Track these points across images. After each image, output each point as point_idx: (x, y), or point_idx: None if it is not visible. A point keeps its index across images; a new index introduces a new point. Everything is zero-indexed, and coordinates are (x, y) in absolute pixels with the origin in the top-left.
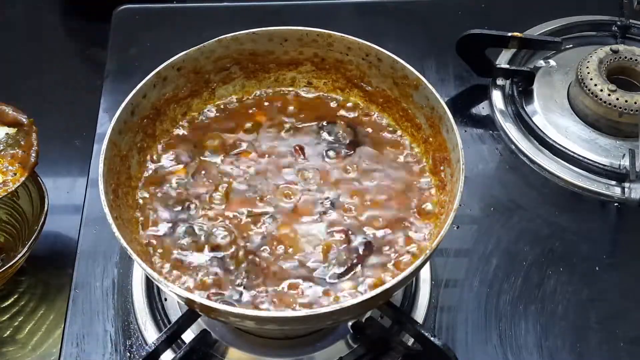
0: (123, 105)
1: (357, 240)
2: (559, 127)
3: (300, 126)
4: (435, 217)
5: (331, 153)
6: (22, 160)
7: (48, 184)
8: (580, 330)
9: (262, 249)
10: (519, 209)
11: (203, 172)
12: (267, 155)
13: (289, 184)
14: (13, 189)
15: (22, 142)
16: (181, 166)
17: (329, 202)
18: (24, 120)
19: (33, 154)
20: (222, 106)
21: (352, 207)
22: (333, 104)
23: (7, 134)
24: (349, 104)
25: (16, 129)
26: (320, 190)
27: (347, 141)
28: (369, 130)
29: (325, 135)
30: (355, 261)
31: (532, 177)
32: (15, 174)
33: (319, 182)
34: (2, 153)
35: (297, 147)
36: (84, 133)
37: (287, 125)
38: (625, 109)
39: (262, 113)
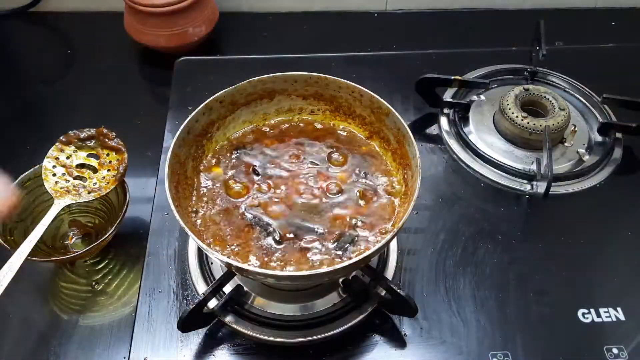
0: (181, 127)
1: (348, 229)
2: (487, 142)
3: (305, 141)
4: (400, 206)
5: (334, 158)
6: (115, 173)
7: (129, 182)
8: (502, 285)
9: (285, 229)
10: (459, 200)
11: (234, 171)
12: (282, 163)
13: (302, 183)
14: (104, 193)
15: (118, 161)
16: (220, 169)
17: (332, 200)
18: (122, 147)
19: (122, 169)
20: (250, 128)
21: (348, 200)
22: (330, 126)
23: (108, 154)
24: (341, 126)
25: (115, 151)
26: (322, 190)
27: (341, 153)
28: (355, 144)
29: (324, 148)
30: (348, 240)
31: (468, 178)
32: (107, 183)
33: (322, 184)
34: (105, 165)
35: (303, 156)
36: (154, 147)
37: (297, 141)
38: (533, 130)
39: (279, 133)
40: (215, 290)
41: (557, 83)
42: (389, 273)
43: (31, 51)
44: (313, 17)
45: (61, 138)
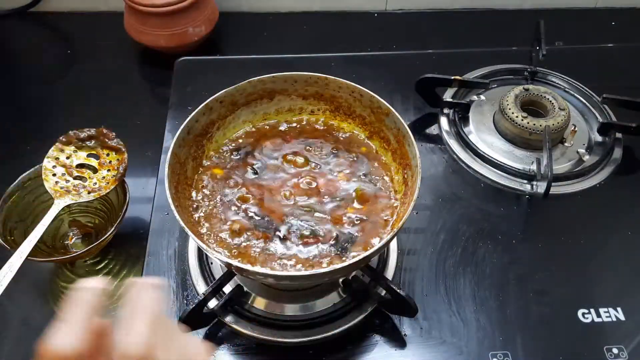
0: (182, 127)
1: (348, 229)
2: (487, 142)
3: (305, 141)
4: (400, 206)
5: (334, 158)
6: (115, 173)
7: (129, 182)
8: (502, 285)
9: (285, 229)
10: (459, 200)
11: (233, 171)
12: (282, 163)
13: (302, 183)
14: (104, 193)
15: (118, 161)
16: (220, 169)
17: (332, 200)
18: (122, 147)
19: (122, 169)
20: (250, 128)
21: (347, 200)
22: (330, 126)
23: (108, 154)
24: (341, 126)
25: (115, 151)
26: (322, 190)
27: (341, 153)
28: (355, 144)
29: (324, 148)
30: (348, 240)
31: (468, 178)
32: (107, 183)
33: (322, 184)
34: (105, 165)
35: (305, 158)
36: (154, 147)
37: (297, 141)
38: (533, 130)
39: (279, 133)
40: (215, 290)
41: (557, 83)
42: (389, 273)
43: (31, 51)
44: (313, 17)
45: (61, 138)
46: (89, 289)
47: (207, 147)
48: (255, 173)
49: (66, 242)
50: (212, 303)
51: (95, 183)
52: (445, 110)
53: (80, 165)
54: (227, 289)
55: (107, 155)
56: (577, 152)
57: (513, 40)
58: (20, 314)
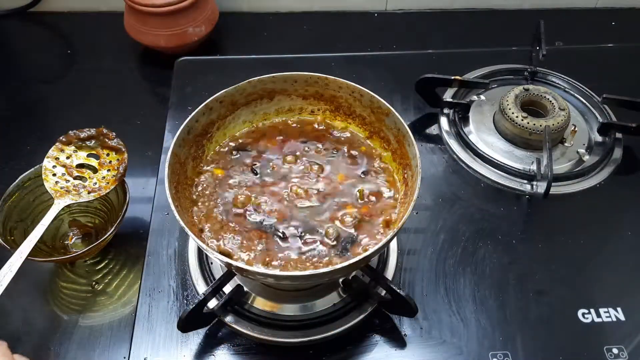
0: (181, 127)
1: (348, 229)
2: (487, 143)
3: (305, 141)
4: (400, 206)
5: (333, 158)
6: (115, 173)
7: (129, 182)
8: (501, 285)
9: (285, 229)
10: (459, 200)
11: (233, 172)
12: (282, 163)
13: (301, 183)
14: (104, 193)
15: (118, 161)
16: (220, 169)
17: (332, 200)
18: (122, 147)
19: (122, 169)
20: (250, 128)
21: (347, 200)
22: (330, 126)
23: (108, 154)
24: (341, 126)
25: (115, 151)
26: (322, 190)
27: (341, 152)
28: (355, 144)
29: (324, 148)
30: (348, 240)
31: (468, 178)
32: (107, 183)
33: (322, 184)
34: (105, 165)
35: (311, 163)
36: (154, 147)
37: (297, 141)
38: (533, 130)
39: (279, 133)
40: (215, 290)
41: (557, 83)
42: (389, 273)
43: (31, 51)
44: (313, 17)
45: (61, 138)
46: None
47: (207, 147)
48: (255, 173)
49: (66, 242)
50: (212, 303)
51: (95, 183)
52: (445, 110)
53: (80, 165)
54: (227, 289)
55: (107, 155)
56: (577, 152)
57: (513, 40)
58: (20, 314)
